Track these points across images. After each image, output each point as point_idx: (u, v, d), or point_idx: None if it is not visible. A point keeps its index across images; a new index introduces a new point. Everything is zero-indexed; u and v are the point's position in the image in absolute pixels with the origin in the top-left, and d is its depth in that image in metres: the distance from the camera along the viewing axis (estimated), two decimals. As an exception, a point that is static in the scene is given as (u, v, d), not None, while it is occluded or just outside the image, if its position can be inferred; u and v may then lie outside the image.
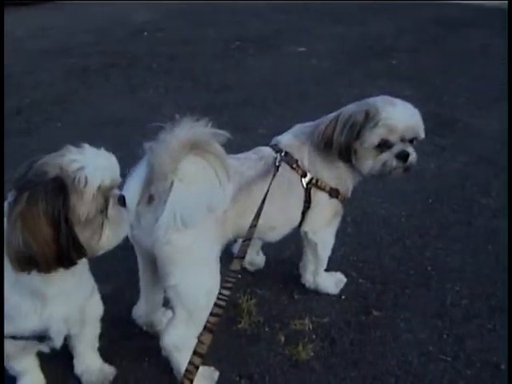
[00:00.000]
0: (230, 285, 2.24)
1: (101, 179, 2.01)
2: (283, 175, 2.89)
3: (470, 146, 5.18)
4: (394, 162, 2.87)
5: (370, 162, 2.89)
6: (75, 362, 2.79)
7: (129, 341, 3.03)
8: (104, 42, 8.99)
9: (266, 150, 2.99)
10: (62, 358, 2.77)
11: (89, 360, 2.79)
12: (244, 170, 2.83)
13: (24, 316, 2.23)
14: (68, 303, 2.31)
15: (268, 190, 2.74)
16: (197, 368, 1.96)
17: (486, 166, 4.78)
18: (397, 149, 2.85)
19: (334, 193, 3.02)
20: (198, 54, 8.09)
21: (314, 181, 2.96)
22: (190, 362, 1.96)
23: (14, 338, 2.32)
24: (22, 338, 2.33)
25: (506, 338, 3.00)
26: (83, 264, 2.33)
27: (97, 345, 2.79)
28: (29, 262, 1.98)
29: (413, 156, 2.89)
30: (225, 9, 10.92)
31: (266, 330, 3.10)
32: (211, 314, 2.14)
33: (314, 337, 3.05)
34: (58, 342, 2.40)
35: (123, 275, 3.18)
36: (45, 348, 2.51)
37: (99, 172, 2.02)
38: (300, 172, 2.94)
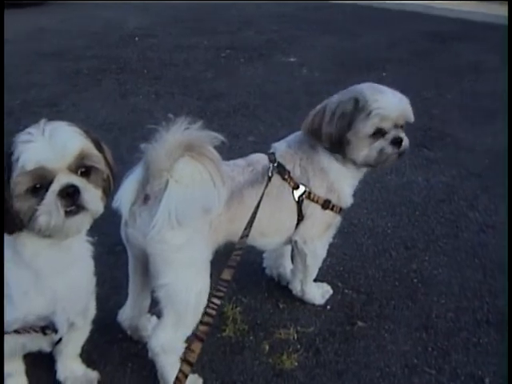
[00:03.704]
0: (221, 294, 2.24)
1: (24, 160, 1.97)
2: (273, 184, 2.90)
3: (459, 160, 5.20)
4: (390, 149, 2.89)
5: (365, 151, 2.90)
6: (59, 366, 2.77)
7: (112, 346, 3.02)
8: (97, 46, 8.99)
9: (258, 157, 3.00)
10: (45, 363, 2.77)
11: (73, 365, 2.78)
12: (235, 176, 2.85)
13: (25, 294, 2.23)
14: (66, 282, 2.29)
15: (260, 201, 2.75)
16: (186, 376, 1.96)
17: (474, 181, 4.80)
18: (391, 135, 2.88)
19: (326, 204, 3.01)
20: (189, 61, 8.10)
21: (306, 193, 2.96)
22: (180, 370, 1.97)
23: (17, 332, 2.32)
24: (25, 330, 2.32)
25: (491, 351, 3.01)
26: (80, 247, 2.36)
27: (80, 350, 2.78)
28: None
29: (406, 141, 2.93)
30: (218, 17, 10.96)
31: (251, 338, 3.09)
32: (201, 323, 2.14)
33: (299, 346, 3.04)
34: (62, 330, 2.39)
35: (109, 281, 3.17)
36: (46, 345, 2.51)
37: (29, 153, 1.98)
38: (292, 184, 2.95)
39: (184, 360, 2.01)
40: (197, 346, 2.05)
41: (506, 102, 6.05)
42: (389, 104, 2.86)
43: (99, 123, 5.85)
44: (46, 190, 2.00)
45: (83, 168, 2.08)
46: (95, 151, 2.13)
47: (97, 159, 2.12)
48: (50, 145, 2.00)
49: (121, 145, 4.95)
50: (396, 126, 2.89)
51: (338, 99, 2.92)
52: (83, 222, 2.13)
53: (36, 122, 2.09)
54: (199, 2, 12.54)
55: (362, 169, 3.07)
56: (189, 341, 2.42)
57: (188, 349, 2.05)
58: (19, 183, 1.97)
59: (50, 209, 1.99)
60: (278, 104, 6.44)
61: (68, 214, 2.02)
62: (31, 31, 9.94)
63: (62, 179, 2.01)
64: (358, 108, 2.84)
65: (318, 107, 2.99)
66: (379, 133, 2.86)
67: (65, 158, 2.02)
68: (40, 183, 1.99)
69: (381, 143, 2.88)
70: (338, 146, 2.91)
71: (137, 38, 9.37)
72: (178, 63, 8.05)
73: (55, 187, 2.00)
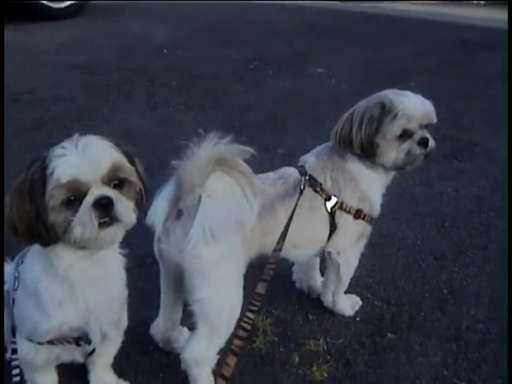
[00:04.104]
0: (255, 308, 2.28)
1: (59, 174, 2.02)
2: (305, 196, 2.93)
3: (489, 170, 5.18)
4: (417, 150, 2.96)
5: (393, 154, 2.97)
6: (91, 377, 2.82)
7: (144, 357, 3.05)
8: (126, 59, 9.02)
9: (289, 170, 3.03)
10: (78, 374, 2.81)
11: (105, 376, 2.82)
12: (265, 188, 2.88)
13: (60, 305, 2.28)
14: (100, 293, 2.34)
15: (293, 214, 2.79)
16: None
17: (503, 191, 4.77)
18: (417, 136, 2.95)
19: (358, 214, 3.04)
20: (218, 73, 8.11)
21: (338, 204, 2.99)
22: None
23: (51, 343, 2.37)
24: (59, 341, 2.37)
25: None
26: (113, 259, 2.41)
27: (112, 361, 2.82)
28: (13, 229, 2.10)
29: (431, 141, 2.99)
30: (246, 29, 10.96)
31: (281, 349, 3.11)
32: (236, 337, 2.17)
33: (329, 358, 3.06)
34: (95, 341, 2.44)
35: (140, 293, 3.19)
36: (79, 356, 2.55)
37: (63, 166, 2.03)
38: (324, 196, 2.98)
39: (220, 374, 2.04)
40: (232, 360, 2.09)
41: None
42: (413, 105, 2.94)
43: (129, 136, 5.85)
44: (80, 202, 2.05)
45: (116, 180, 2.14)
46: (127, 164, 2.19)
47: (129, 171, 2.18)
48: (84, 158, 2.06)
49: (151, 157, 4.98)
50: (421, 127, 2.96)
51: (364, 105, 2.99)
52: (117, 233, 2.18)
53: (67, 135, 2.14)
54: (227, 14, 12.58)
55: (390, 173, 3.14)
56: (223, 355, 2.44)
57: (224, 362, 2.08)
58: (54, 196, 2.03)
59: (84, 220, 2.04)
60: (307, 116, 6.45)
61: (102, 225, 2.08)
62: (61, 43, 10.00)
63: (96, 191, 2.07)
64: (385, 111, 2.91)
65: (346, 115, 3.05)
66: (406, 134, 2.94)
67: (98, 170, 2.08)
68: (74, 196, 2.05)
69: (408, 144, 2.95)
70: (369, 151, 2.97)
71: (165, 51, 9.40)
72: (206, 75, 8.06)
73: (89, 199, 2.05)
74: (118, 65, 8.65)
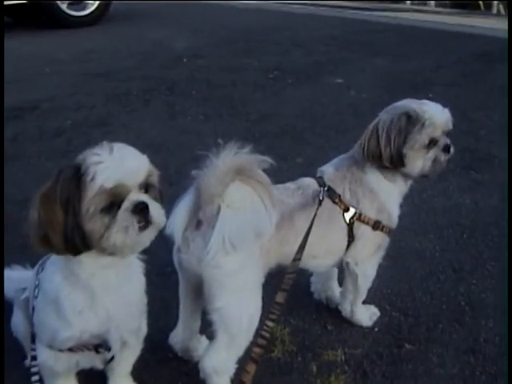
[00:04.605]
0: (274, 317, 2.30)
1: (103, 179, 2.05)
2: (324, 207, 2.96)
3: (507, 182, 5.15)
4: (443, 156, 3.01)
5: (420, 162, 3.01)
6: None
7: (163, 364, 3.07)
8: (145, 67, 9.08)
9: (308, 181, 3.05)
10: (97, 380, 2.84)
11: (124, 383, 2.84)
12: (284, 199, 2.91)
13: (80, 313, 2.30)
14: (120, 301, 2.37)
15: (312, 224, 2.81)
16: None
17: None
18: (442, 143, 3.00)
19: (376, 225, 3.06)
20: (237, 83, 8.15)
21: (356, 215, 3.01)
22: None
23: (71, 350, 2.40)
24: (79, 348, 2.40)
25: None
26: (134, 265, 2.44)
27: (131, 368, 2.84)
28: (42, 241, 2.10)
29: (452, 147, 3.05)
30: (266, 39, 10.99)
31: (299, 359, 3.12)
32: (256, 345, 2.19)
33: (347, 368, 3.06)
34: (115, 348, 2.47)
35: (159, 301, 3.22)
36: (98, 363, 2.57)
37: (106, 172, 2.06)
38: (342, 207, 3.00)
39: (240, 381, 2.06)
40: (252, 368, 2.12)
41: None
42: (437, 113, 2.99)
43: (148, 144, 5.87)
44: (118, 208, 2.09)
45: (146, 186, 2.18)
46: (155, 170, 2.23)
47: (157, 178, 2.24)
48: (124, 164, 2.10)
49: (170, 166, 5.02)
50: (443, 134, 3.01)
51: (388, 117, 3.00)
52: (151, 236, 2.22)
53: (87, 142, 2.17)
54: (248, 23, 12.63)
55: (408, 183, 3.17)
56: (244, 362, 2.45)
57: (243, 370, 2.11)
58: (95, 202, 2.06)
59: (126, 225, 2.09)
60: (326, 126, 6.47)
61: (139, 229, 2.13)
62: (80, 51, 10.09)
63: (133, 196, 2.11)
64: (412, 121, 2.94)
65: (370, 128, 3.07)
66: (432, 142, 2.97)
67: (138, 176, 2.15)
68: (114, 201, 2.09)
69: (434, 152, 3.00)
70: (399, 163, 3.00)
71: (185, 59, 9.45)
72: (226, 84, 8.10)
73: (128, 204, 2.10)
74: (138, 73, 8.71)
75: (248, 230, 2.50)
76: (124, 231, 2.10)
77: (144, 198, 2.15)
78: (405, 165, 3.00)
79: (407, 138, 2.94)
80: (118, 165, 2.09)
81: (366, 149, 3.03)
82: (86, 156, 2.12)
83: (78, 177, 2.07)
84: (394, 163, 2.99)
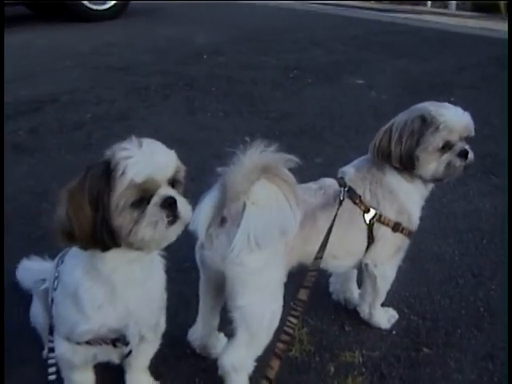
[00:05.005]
0: (297, 313, 2.31)
1: (134, 174, 2.05)
2: (344, 207, 2.95)
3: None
4: (458, 162, 2.96)
5: (433, 165, 2.97)
6: (127, 378, 2.84)
7: (181, 360, 3.08)
8: (165, 62, 9.11)
9: (329, 181, 3.05)
10: (114, 374, 2.86)
11: (141, 378, 2.85)
12: (306, 198, 2.90)
13: (100, 308, 2.31)
14: (140, 296, 2.37)
15: (332, 224, 2.80)
16: None
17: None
18: (458, 148, 2.96)
19: (396, 227, 3.05)
20: (257, 80, 8.15)
21: (376, 216, 3.00)
22: None
23: (89, 343, 2.40)
24: (97, 342, 2.40)
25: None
26: (155, 261, 2.44)
27: (148, 363, 2.85)
28: (68, 236, 2.11)
29: (471, 153, 3.00)
30: (287, 38, 10.98)
31: (317, 359, 3.12)
32: (280, 341, 2.20)
33: (364, 370, 3.06)
34: (133, 343, 2.47)
35: (178, 297, 3.22)
36: (116, 357, 2.57)
37: (137, 166, 2.06)
38: (363, 208, 2.99)
39: (264, 376, 2.08)
40: (276, 364, 2.14)
41: None
42: (454, 117, 2.94)
43: (168, 139, 5.84)
44: (148, 203, 2.09)
45: (173, 181, 2.19)
46: (183, 166, 2.24)
47: (183, 173, 2.24)
48: (154, 159, 2.10)
49: (189, 162, 4.98)
50: (461, 139, 2.97)
51: (403, 119, 2.99)
52: (178, 231, 2.23)
53: (107, 136, 2.19)
54: (268, 21, 12.63)
55: (428, 186, 3.15)
56: (266, 359, 2.45)
57: (268, 365, 2.12)
58: (125, 197, 2.06)
59: (156, 219, 2.10)
60: (346, 126, 6.46)
61: (168, 223, 2.13)
62: (100, 45, 10.13)
63: (162, 191, 2.12)
64: (426, 124, 2.91)
65: (384, 128, 3.06)
66: (447, 146, 2.94)
67: (167, 171, 2.15)
68: (144, 196, 2.10)
69: (448, 156, 2.96)
70: (408, 164, 2.97)
71: (205, 56, 9.45)
72: (245, 81, 8.11)
73: (157, 199, 2.10)
74: (158, 68, 8.73)
75: (273, 228, 2.49)
76: (153, 226, 2.10)
77: (172, 192, 2.16)
78: (415, 167, 2.98)
79: (420, 141, 2.92)
80: (148, 159, 2.09)
81: (377, 146, 3.03)
82: (115, 151, 2.12)
83: (107, 172, 2.08)
84: (404, 164, 2.98)
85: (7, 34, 10.57)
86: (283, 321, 2.55)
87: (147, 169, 2.07)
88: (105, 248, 2.17)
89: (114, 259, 2.24)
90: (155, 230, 2.11)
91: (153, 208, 2.10)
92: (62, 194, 2.11)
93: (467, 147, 3.00)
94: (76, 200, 2.08)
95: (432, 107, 2.97)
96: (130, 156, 2.08)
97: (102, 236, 2.10)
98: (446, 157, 2.96)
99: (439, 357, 3.17)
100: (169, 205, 2.13)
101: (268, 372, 2.18)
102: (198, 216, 2.51)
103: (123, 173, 2.05)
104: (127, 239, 2.13)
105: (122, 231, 2.11)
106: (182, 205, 2.19)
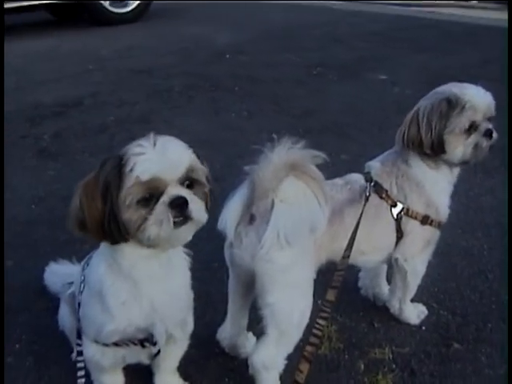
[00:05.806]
0: (325, 315, 2.30)
1: (140, 172, 2.05)
2: (371, 203, 2.94)
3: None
4: (484, 142, 2.94)
5: (461, 148, 2.95)
6: (156, 380, 2.85)
7: (209, 360, 3.08)
8: (187, 63, 9.12)
9: (355, 177, 3.04)
10: (143, 376, 2.86)
11: (170, 379, 2.86)
12: (333, 194, 2.89)
13: (123, 305, 2.31)
14: (164, 293, 2.37)
15: (359, 220, 2.79)
16: None
17: None
18: (483, 128, 2.94)
19: (425, 220, 3.02)
20: (280, 79, 8.15)
21: (404, 210, 2.97)
22: None
23: (116, 344, 2.41)
24: (124, 343, 2.41)
25: None
26: (178, 258, 2.45)
27: (177, 364, 2.85)
28: (81, 225, 2.14)
29: (495, 132, 2.98)
30: (309, 35, 10.96)
31: (346, 356, 3.11)
32: (309, 344, 2.18)
33: (394, 366, 3.04)
34: (160, 342, 2.47)
35: (205, 297, 3.23)
36: (144, 358, 2.58)
37: (144, 164, 2.07)
38: (390, 202, 2.97)
39: (293, 381, 2.07)
40: (305, 367, 2.12)
41: None
42: (478, 96, 2.93)
43: (192, 140, 5.83)
44: (157, 201, 2.09)
45: (189, 181, 2.17)
46: (200, 165, 2.22)
47: (201, 173, 2.22)
48: (164, 157, 2.10)
49: (215, 162, 5.01)
50: (484, 119, 2.95)
51: (428, 103, 2.96)
52: (189, 232, 2.22)
53: (130, 138, 2.18)
54: (289, 19, 12.61)
55: (454, 170, 3.11)
56: (296, 362, 2.44)
57: (297, 369, 2.11)
58: (132, 193, 2.07)
59: (161, 218, 2.08)
60: (370, 122, 6.43)
61: (176, 224, 2.11)
62: (121, 48, 10.16)
63: (172, 191, 2.11)
64: (452, 105, 2.88)
65: (409, 116, 3.03)
66: (472, 127, 2.91)
67: (177, 170, 2.13)
68: (151, 194, 2.09)
69: (475, 137, 2.94)
70: (440, 149, 2.95)
71: (227, 55, 9.46)
72: (268, 80, 8.11)
73: (165, 198, 2.09)
74: (180, 69, 8.74)
75: (303, 225, 2.49)
76: (159, 225, 2.10)
77: (183, 192, 2.13)
78: (445, 151, 2.96)
79: (447, 123, 2.89)
80: (158, 158, 2.09)
81: (406, 136, 2.99)
82: (130, 146, 2.14)
83: (119, 166, 2.09)
84: (435, 149, 2.95)
85: (35, 41, 10.69)
86: (312, 321, 2.56)
87: (154, 167, 2.07)
88: (113, 241, 2.19)
89: (132, 253, 2.26)
90: (160, 228, 2.10)
91: (160, 207, 2.10)
92: (79, 185, 2.16)
93: (491, 126, 2.97)
94: (89, 191, 2.12)
95: (455, 88, 2.95)
96: (141, 153, 2.09)
97: (110, 228, 2.12)
98: (473, 138, 2.94)
99: (470, 352, 3.14)
100: (177, 205, 2.11)
101: (297, 376, 2.17)
102: (226, 215, 2.52)
103: (131, 169, 2.06)
104: (136, 235, 2.14)
105: (130, 226, 2.12)
106: (195, 206, 2.16)
